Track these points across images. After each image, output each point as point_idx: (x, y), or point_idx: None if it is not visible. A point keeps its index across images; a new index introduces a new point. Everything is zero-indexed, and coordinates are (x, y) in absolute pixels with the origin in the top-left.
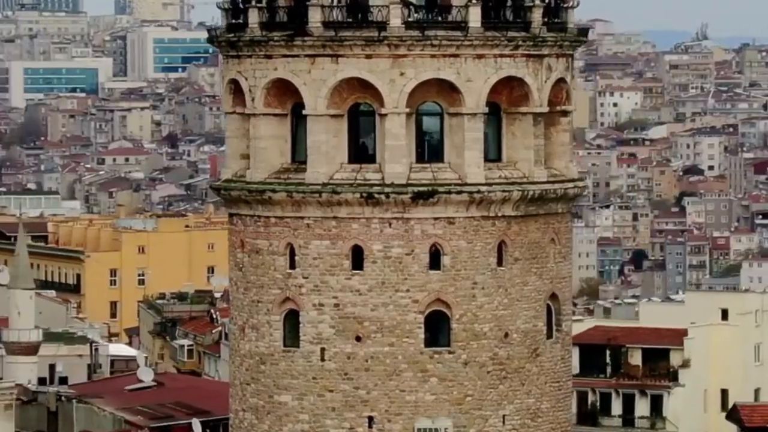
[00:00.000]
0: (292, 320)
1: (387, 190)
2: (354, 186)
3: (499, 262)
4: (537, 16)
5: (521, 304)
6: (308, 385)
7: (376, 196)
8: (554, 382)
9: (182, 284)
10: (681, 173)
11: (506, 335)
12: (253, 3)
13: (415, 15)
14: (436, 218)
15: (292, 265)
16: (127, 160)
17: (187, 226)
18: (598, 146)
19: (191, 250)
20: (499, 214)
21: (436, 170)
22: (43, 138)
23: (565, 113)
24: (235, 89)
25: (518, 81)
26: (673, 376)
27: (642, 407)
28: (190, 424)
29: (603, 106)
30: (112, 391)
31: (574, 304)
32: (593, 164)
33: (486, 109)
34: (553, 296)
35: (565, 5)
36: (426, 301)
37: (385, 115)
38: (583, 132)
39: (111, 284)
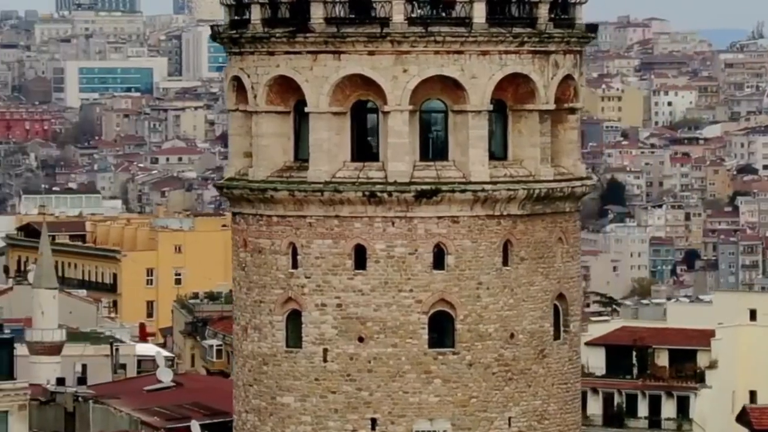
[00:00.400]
0: (294, 321)
1: (390, 188)
2: (356, 184)
3: (505, 262)
4: (543, 12)
5: (527, 305)
6: (311, 386)
7: (379, 194)
8: (561, 383)
9: (218, 284)
10: (735, 172)
11: (512, 336)
12: None
13: (419, 11)
14: (440, 217)
15: (295, 265)
16: (180, 159)
17: (224, 226)
18: (652, 145)
19: (228, 249)
20: (505, 213)
21: (440, 168)
22: (97, 137)
23: (572, 110)
24: (238, 86)
25: (524, 78)
26: (700, 378)
27: (668, 409)
28: (207, 425)
29: (657, 105)
30: (132, 391)
31: (614, 303)
32: (646, 163)
33: (491, 107)
34: (561, 296)
35: (573, 1)
36: (430, 302)
37: (388, 112)
38: (637, 131)
39: (147, 284)
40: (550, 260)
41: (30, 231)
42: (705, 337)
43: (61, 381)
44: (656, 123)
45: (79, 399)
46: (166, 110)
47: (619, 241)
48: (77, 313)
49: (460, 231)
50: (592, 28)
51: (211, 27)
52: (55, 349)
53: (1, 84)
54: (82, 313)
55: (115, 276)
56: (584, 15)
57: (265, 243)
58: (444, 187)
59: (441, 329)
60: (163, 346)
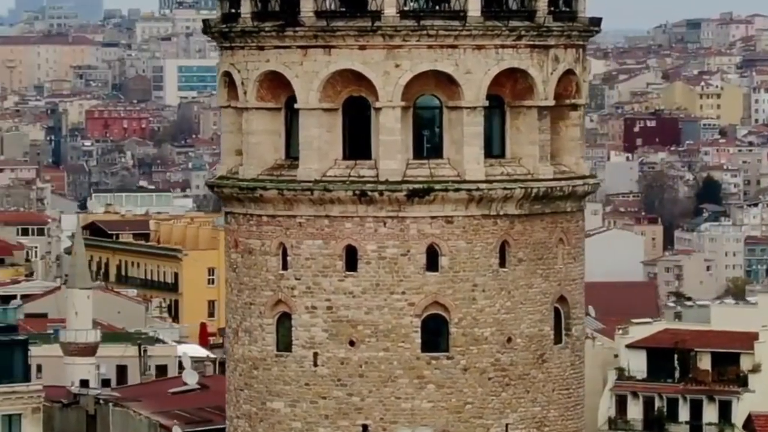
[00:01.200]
0: (285, 323)
1: (381, 187)
2: (347, 183)
3: (502, 263)
4: (542, 4)
5: (525, 308)
6: (301, 391)
7: (370, 193)
8: (563, 389)
9: None
10: None
11: (509, 340)
12: None
13: (412, 4)
14: (433, 217)
15: (285, 266)
16: None
17: None
18: (750, 143)
19: None
20: (501, 213)
21: (434, 167)
22: (194, 136)
23: (575, 107)
24: (229, 82)
25: (522, 73)
26: (743, 382)
27: (710, 413)
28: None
29: (758, 103)
30: (158, 394)
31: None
32: (744, 161)
33: (486, 103)
34: (562, 299)
35: None
36: (423, 304)
37: (380, 108)
38: (735, 129)
39: (209, 283)
40: (551, 261)
41: (95, 230)
42: (749, 339)
43: (85, 383)
44: (756, 121)
45: (101, 402)
46: None
47: (714, 240)
48: (126, 312)
49: (455, 231)
50: (596, 21)
51: (203, 21)
52: (89, 349)
53: (101, 82)
54: (131, 313)
55: (176, 275)
56: (587, 8)
57: (255, 243)
58: (437, 186)
59: (434, 333)
60: (221, 346)
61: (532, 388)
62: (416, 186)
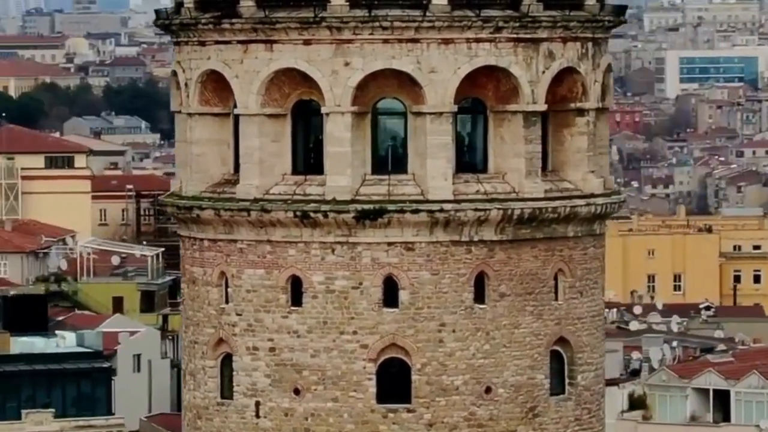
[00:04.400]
0: (228, 366)
1: (324, 207)
2: (288, 203)
3: (479, 299)
4: None
5: (510, 351)
6: None
7: (313, 215)
8: None
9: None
10: None
11: (488, 390)
12: None
13: None
14: (390, 243)
15: (227, 299)
16: (767, 152)
17: (630, 230)
18: None
19: (625, 256)
20: (476, 239)
21: (395, 183)
22: (689, 130)
23: (581, 112)
24: (178, 83)
25: (503, 72)
26: None
27: None
28: None
29: None
30: None
31: None
32: None
33: (454, 108)
34: (563, 341)
35: None
36: (378, 347)
37: (327, 114)
38: None
39: None
40: (545, 296)
41: None
42: None
43: None
44: None
45: None
46: (760, 101)
47: None
48: None
49: (416, 260)
50: (618, 9)
51: (155, 12)
52: None
53: None
54: None
55: None
56: None
57: (198, 272)
58: (391, 207)
59: (392, 381)
60: None
61: None
62: (366, 207)
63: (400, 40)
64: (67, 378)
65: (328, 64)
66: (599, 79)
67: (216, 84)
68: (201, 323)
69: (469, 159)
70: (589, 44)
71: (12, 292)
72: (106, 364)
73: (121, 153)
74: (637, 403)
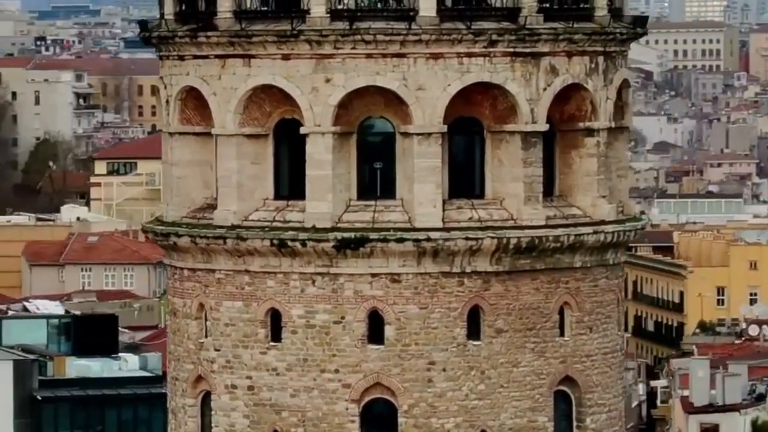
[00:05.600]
0: (209, 405)
1: (303, 236)
2: (264, 230)
3: (473, 335)
4: (529, 0)
5: (508, 392)
6: None
7: (290, 244)
8: None
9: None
10: None
11: None
12: None
13: (346, 1)
14: (374, 274)
15: (206, 333)
16: None
17: None
18: None
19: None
20: (469, 270)
21: (382, 210)
22: None
23: (590, 132)
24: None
25: (499, 89)
26: None
27: None
28: None
29: None
30: None
31: None
32: None
33: (443, 128)
34: (570, 381)
35: None
36: (361, 387)
37: (307, 135)
38: None
39: (718, 304)
40: (548, 332)
41: None
42: None
43: None
44: None
45: None
46: None
47: None
48: None
49: (403, 293)
50: (638, 20)
51: (139, 23)
52: None
53: None
54: None
55: (681, 294)
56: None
57: (178, 303)
58: (373, 236)
59: (378, 423)
60: None
61: None
62: (347, 235)
63: (384, 55)
64: (120, 403)
65: (308, 81)
66: (612, 96)
67: (197, 101)
68: (181, 358)
69: (465, 183)
70: (600, 58)
71: (78, 312)
72: (162, 390)
73: None
74: (761, 430)
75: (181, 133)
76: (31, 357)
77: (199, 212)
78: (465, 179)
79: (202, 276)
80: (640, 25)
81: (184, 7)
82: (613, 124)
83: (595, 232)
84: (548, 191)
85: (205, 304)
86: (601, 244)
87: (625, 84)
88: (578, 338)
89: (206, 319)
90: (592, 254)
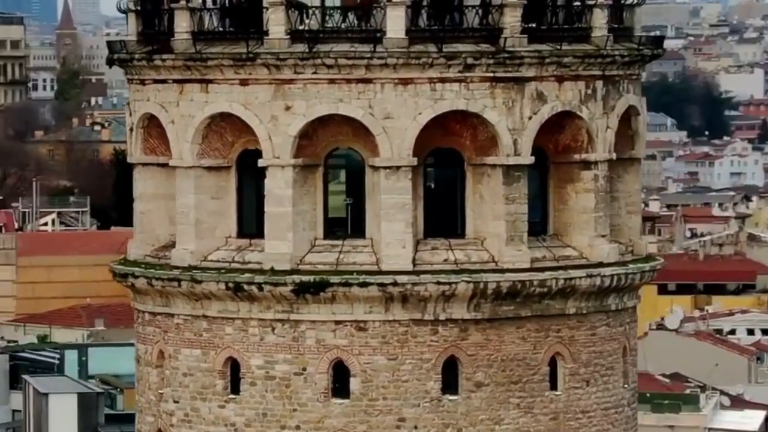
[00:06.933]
0: None
1: (259, 279)
2: (220, 272)
3: (448, 389)
4: (511, 19)
5: None
6: None
7: (246, 287)
8: None
9: None
10: None
11: None
12: (131, 4)
13: (308, 21)
14: (338, 321)
15: (166, 383)
16: None
17: None
18: None
19: None
20: (443, 317)
21: (349, 250)
22: None
23: (587, 164)
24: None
25: (478, 118)
26: None
27: None
28: None
29: None
30: None
31: None
32: None
33: (413, 161)
34: None
35: (591, 3)
36: None
37: (265, 168)
38: None
39: None
40: (536, 386)
41: None
42: None
43: None
44: None
45: None
46: None
47: None
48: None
49: (370, 342)
50: (657, 41)
51: (107, 44)
52: None
53: None
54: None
55: None
56: (637, 21)
57: (141, 349)
58: (334, 279)
59: None
60: None
61: None
62: (306, 278)
63: (348, 80)
64: None
65: (267, 108)
66: (613, 125)
67: (160, 129)
68: (143, 410)
69: (443, 222)
70: (598, 83)
71: None
72: None
73: None
74: None
75: (144, 164)
76: (98, 390)
77: (161, 251)
78: (443, 217)
79: (161, 321)
80: (655, 45)
81: (145, 27)
82: (614, 156)
83: (590, 276)
84: (541, 230)
85: (165, 351)
86: (598, 289)
87: (633, 111)
88: (572, 392)
89: (165, 368)
90: (589, 299)
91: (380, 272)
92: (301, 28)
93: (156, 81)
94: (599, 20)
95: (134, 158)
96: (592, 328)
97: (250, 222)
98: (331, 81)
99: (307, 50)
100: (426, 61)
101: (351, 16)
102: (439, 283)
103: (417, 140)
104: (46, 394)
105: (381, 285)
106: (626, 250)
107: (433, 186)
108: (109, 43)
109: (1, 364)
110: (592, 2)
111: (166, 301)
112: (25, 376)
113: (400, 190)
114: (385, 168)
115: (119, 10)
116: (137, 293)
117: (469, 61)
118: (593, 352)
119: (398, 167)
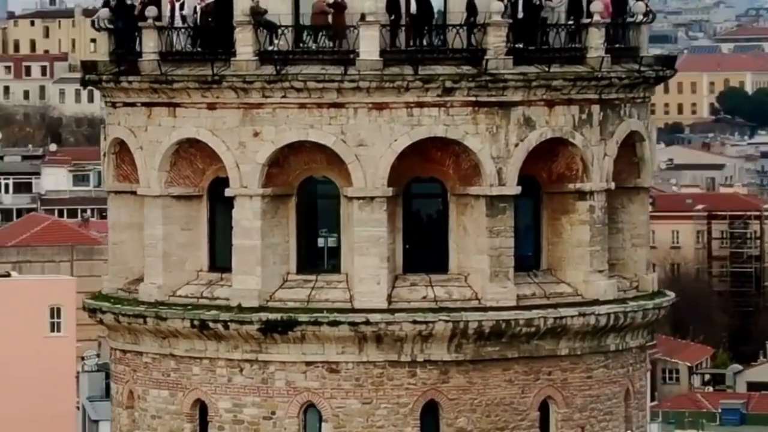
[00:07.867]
0: None
1: (225, 316)
2: (186, 309)
3: None
4: (494, 39)
5: None
6: None
7: (212, 325)
8: None
9: None
10: None
11: None
12: (104, 22)
13: (278, 42)
14: (308, 363)
15: (135, 425)
16: None
17: None
18: None
19: None
20: (421, 359)
21: (322, 286)
22: None
23: (582, 195)
24: None
25: (459, 146)
26: None
27: None
28: None
29: None
30: None
31: None
32: None
33: (388, 191)
34: None
35: (587, 21)
36: None
37: (233, 198)
38: None
39: None
40: None
41: None
42: None
43: None
44: None
45: None
46: None
47: None
48: None
49: (343, 385)
50: (669, 61)
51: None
52: None
53: None
54: None
55: None
56: (642, 42)
57: (113, 388)
58: (303, 317)
59: None
60: None
61: None
62: (273, 316)
63: (319, 105)
64: None
65: (235, 134)
66: (611, 153)
67: (131, 155)
68: None
69: (424, 256)
70: (594, 108)
71: None
72: None
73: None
74: None
75: (116, 192)
76: None
77: (134, 284)
78: (424, 251)
79: (131, 359)
80: (665, 65)
81: (117, 47)
82: (612, 186)
83: (582, 315)
84: (534, 264)
85: (134, 391)
86: (593, 328)
87: (638, 137)
88: None
89: (135, 410)
90: (583, 340)
91: (353, 310)
92: (270, 48)
93: (126, 104)
94: (595, 40)
95: (107, 186)
96: (587, 370)
97: (223, 254)
98: (302, 105)
99: (274, 72)
100: (401, 85)
101: (322, 37)
102: (415, 322)
103: (394, 169)
104: None
105: (353, 324)
106: (630, 286)
107: (412, 218)
108: (83, 63)
109: None
110: (588, 21)
111: (134, 339)
112: None
113: (375, 222)
114: (359, 198)
115: (94, 28)
116: (109, 329)
117: (448, 84)
118: (589, 395)
119: (372, 198)
